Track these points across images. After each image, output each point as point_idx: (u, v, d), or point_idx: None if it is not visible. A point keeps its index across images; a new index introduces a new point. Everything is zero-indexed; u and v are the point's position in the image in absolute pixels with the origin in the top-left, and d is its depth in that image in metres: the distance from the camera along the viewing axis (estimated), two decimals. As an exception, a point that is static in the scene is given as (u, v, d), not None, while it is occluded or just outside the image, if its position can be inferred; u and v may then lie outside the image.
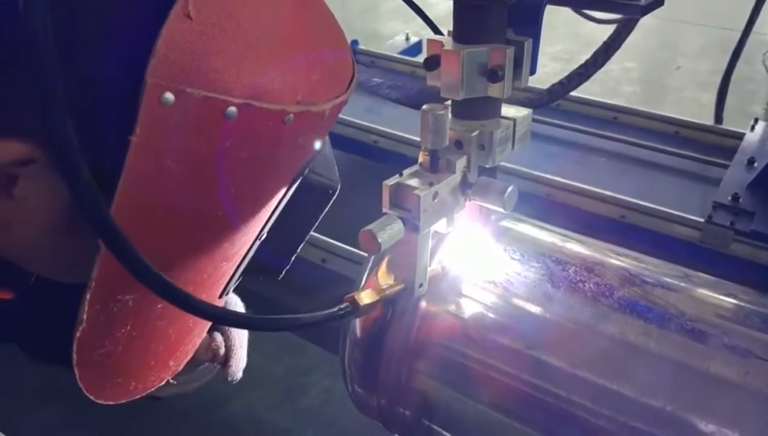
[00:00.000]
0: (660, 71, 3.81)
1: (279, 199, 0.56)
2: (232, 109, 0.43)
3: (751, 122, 2.34)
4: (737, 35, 2.26)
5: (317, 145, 0.54)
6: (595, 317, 0.70)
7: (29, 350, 0.82)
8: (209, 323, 0.66)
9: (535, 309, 0.72)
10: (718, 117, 2.49)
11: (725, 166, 2.15)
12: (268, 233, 0.59)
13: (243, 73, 0.44)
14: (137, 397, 0.59)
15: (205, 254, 0.52)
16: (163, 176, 0.44)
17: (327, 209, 0.70)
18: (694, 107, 2.98)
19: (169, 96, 0.41)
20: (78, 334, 0.49)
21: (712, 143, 2.37)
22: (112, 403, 0.57)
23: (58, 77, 0.36)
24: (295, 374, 1.99)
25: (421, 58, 2.90)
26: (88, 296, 0.47)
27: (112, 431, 1.87)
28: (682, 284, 0.73)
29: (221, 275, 0.57)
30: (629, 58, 3.66)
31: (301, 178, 0.57)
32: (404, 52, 3.11)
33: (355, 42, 3.03)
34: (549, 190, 2.11)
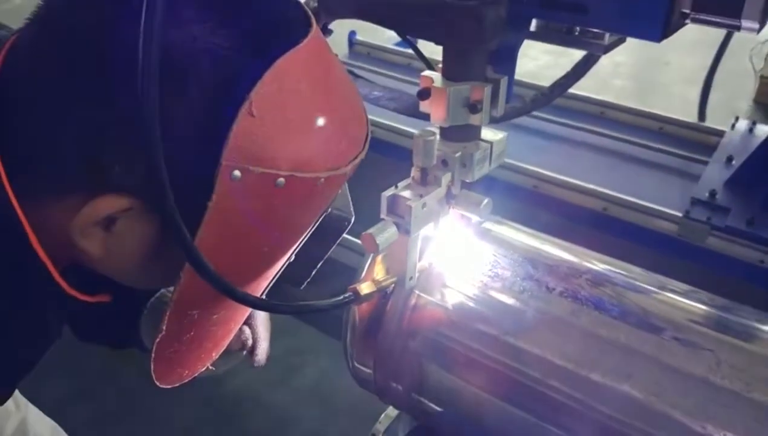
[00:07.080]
0: (650, 67, 3.88)
1: (307, 232, 0.70)
2: (281, 180, 0.57)
3: (732, 120, 2.39)
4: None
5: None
6: (558, 308, 0.81)
7: (81, 332, 0.98)
8: (243, 320, 0.82)
9: (509, 300, 0.83)
10: (702, 114, 2.54)
11: (706, 163, 2.21)
12: (295, 254, 0.74)
13: (289, 153, 0.58)
14: (186, 381, 0.75)
15: (253, 276, 0.68)
16: (229, 228, 0.59)
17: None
18: (682, 103, 3.05)
19: (237, 173, 0.56)
20: (158, 339, 0.65)
21: (695, 140, 2.42)
22: (169, 387, 0.73)
23: (161, 159, 0.51)
24: (292, 353, 2.08)
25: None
26: (168, 313, 0.63)
27: (117, 405, 1.98)
28: (651, 288, 0.83)
29: (260, 288, 0.72)
30: (619, 53, 3.72)
31: (324, 214, 0.71)
32: (400, 43, 3.16)
33: (353, 33, 3.11)
34: (536, 182, 2.19)
